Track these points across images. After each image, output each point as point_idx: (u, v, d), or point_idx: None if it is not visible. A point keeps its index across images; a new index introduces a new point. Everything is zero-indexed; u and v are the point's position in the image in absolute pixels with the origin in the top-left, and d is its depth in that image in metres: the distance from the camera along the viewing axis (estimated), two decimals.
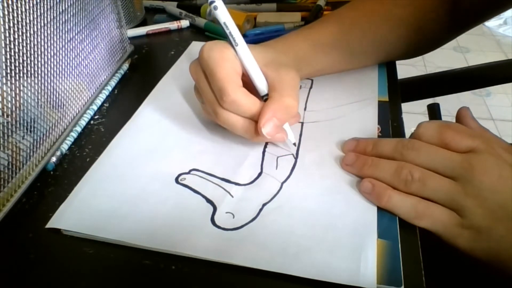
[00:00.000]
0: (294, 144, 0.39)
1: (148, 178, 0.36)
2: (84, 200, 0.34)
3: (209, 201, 0.34)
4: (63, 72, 0.41)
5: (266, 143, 0.40)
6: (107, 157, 0.39)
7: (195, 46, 0.57)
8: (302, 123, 0.43)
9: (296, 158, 0.38)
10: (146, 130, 0.42)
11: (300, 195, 0.35)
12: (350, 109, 0.44)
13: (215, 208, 0.34)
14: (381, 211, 0.33)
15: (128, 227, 0.32)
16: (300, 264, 0.29)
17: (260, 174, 0.37)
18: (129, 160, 0.38)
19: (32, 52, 0.36)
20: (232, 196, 0.35)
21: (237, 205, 0.34)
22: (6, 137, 0.34)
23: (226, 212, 0.33)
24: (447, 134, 0.33)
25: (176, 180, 0.36)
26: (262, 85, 0.37)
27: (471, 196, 0.31)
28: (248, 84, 0.36)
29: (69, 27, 0.42)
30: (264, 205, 0.34)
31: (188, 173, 0.37)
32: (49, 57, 0.39)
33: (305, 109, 0.45)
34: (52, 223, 0.33)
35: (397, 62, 0.52)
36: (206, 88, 0.36)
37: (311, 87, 0.48)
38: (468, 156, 0.32)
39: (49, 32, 0.39)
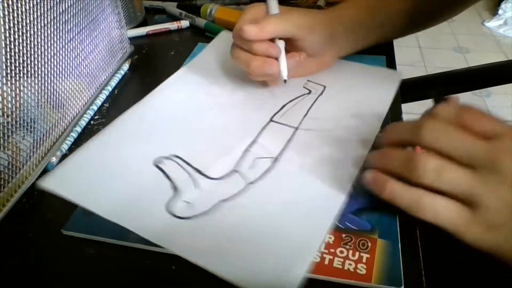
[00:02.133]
0: (285, 81, 0.42)
1: (135, 157, 0.38)
2: (75, 166, 0.37)
3: (174, 187, 0.35)
4: (63, 72, 0.41)
5: (252, 143, 0.39)
6: (111, 130, 0.41)
7: (224, 39, 0.54)
8: (296, 128, 0.41)
9: (273, 163, 0.37)
10: (152, 114, 0.43)
11: (259, 199, 0.34)
12: (352, 124, 0.41)
13: (175, 195, 0.34)
14: (381, 211, 0.33)
15: (103, 199, 0.34)
16: (231, 267, 0.29)
17: (231, 171, 0.37)
18: (127, 137, 0.40)
19: (32, 52, 0.36)
20: (197, 187, 0.35)
21: (198, 196, 0.34)
22: (6, 137, 0.34)
23: (184, 201, 0.34)
24: (468, 116, 0.30)
25: (155, 162, 0.37)
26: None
27: (491, 189, 0.28)
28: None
29: (69, 27, 0.42)
30: (221, 201, 0.34)
31: (168, 158, 0.38)
32: (49, 57, 0.39)
33: (305, 115, 0.43)
34: (43, 182, 0.35)
35: (397, 63, 0.52)
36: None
37: (321, 94, 0.46)
38: (495, 143, 0.28)
39: (49, 32, 0.39)
